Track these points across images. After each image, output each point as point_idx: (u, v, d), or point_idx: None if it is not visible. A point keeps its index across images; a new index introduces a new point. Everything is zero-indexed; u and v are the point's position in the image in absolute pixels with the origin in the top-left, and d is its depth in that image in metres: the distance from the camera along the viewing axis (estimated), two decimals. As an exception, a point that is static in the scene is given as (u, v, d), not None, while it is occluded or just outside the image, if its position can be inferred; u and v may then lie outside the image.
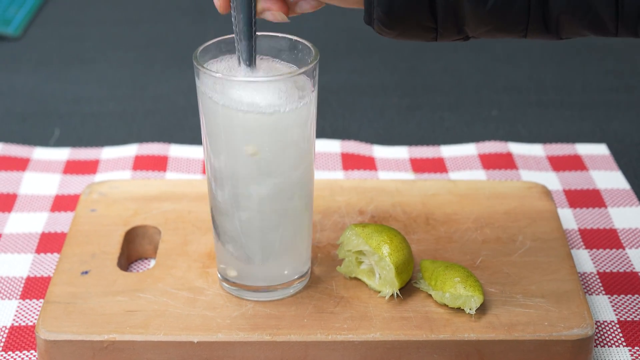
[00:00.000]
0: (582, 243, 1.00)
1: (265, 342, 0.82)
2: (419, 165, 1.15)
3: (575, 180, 1.12)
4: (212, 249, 0.91)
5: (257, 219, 0.84)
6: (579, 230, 1.02)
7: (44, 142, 1.20)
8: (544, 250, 0.92)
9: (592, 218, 1.05)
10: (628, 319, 0.90)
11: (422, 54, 1.44)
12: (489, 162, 1.14)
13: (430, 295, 0.86)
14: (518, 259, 0.91)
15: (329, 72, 1.36)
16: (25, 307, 0.92)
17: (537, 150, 1.18)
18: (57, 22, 1.54)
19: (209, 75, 0.79)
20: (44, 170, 1.13)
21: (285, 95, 0.79)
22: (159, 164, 1.14)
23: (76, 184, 1.10)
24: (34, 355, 0.86)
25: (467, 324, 0.83)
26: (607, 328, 0.89)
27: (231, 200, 0.83)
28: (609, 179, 1.12)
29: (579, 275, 0.95)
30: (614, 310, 0.91)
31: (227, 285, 0.87)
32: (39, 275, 0.96)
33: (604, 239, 1.01)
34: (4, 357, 0.86)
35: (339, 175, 1.12)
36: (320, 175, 1.12)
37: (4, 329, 0.89)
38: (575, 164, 1.15)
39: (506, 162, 1.14)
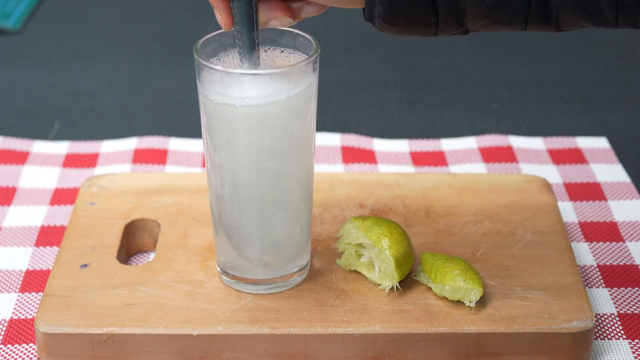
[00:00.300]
0: (582, 236, 1.00)
1: (265, 335, 0.82)
2: (419, 159, 1.15)
3: (576, 173, 1.11)
4: (212, 242, 0.91)
5: (256, 212, 0.84)
6: (579, 223, 1.02)
7: (44, 136, 1.20)
8: (544, 243, 0.92)
9: (592, 211, 1.04)
10: (628, 312, 0.90)
11: (423, 49, 1.43)
12: (489, 155, 1.14)
13: (430, 288, 0.86)
14: (518, 252, 0.91)
15: (330, 66, 1.36)
16: (25, 300, 0.91)
17: (537, 143, 1.18)
18: (56, 16, 1.54)
19: (209, 68, 0.79)
20: (44, 164, 1.13)
21: (285, 88, 0.79)
22: (159, 157, 1.14)
23: (75, 178, 1.10)
24: (33, 349, 0.86)
25: (467, 316, 0.83)
26: (607, 321, 0.89)
27: (231, 193, 0.83)
28: (609, 172, 1.11)
29: (579, 268, 0.94)
30: (614, 303, 0.91)
31: (226, 278, 0.87)
32: (38, 269, 0.96)
33: (604, 232, 1.01)
34: (4, 350, 0.86)
35: (339, 168, 1.12)
36: (320, 168, 1.12)
37: (3, 322, 0.89)
38: (576, 157, 1.15)
39: (506, 155, 1.14)
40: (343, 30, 1.49)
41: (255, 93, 0.78)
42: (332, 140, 1.17)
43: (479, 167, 1.12)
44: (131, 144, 1.16)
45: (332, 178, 1.01)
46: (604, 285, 0.93)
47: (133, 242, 0.95)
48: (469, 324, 0.82)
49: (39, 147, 1.16)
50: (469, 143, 1.17)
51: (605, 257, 0.97)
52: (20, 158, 1.13)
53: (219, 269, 0.88)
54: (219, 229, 0.86)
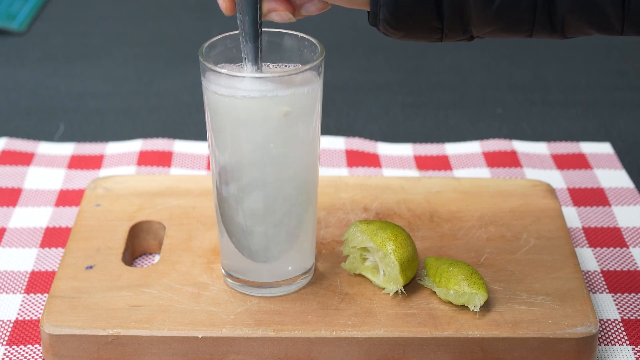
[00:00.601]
0: (586, 241, 1.00)
1: (270, 337, 0.82)
2: (423, 163, 1.15)
3: (579, 178, 1.12)
4: (217, 244, 0.92)
5: (261, 215, 0.84)
6: (583, 228, 1.03)
7: (49, 137, 1.20)
8: (548, 248, 0.92)
9: (596, 216, 1.05)
10: (632, 318, 0.90)
11: (427, 53, 1.44)
12: (493, 160, 1.14)
13: (434, 293, 0.86)
14: (522, 257, 0.91)
15: (334, 69, 1.36)
16: (30, 301, 0.92)
17: (541, 148, 1.18)
18: (61, 18, 1.54)
19: (214, 72, 0.79)
20: (49, 165, 1.13)
21: (291, 91, 0.79)
22: (164, 159, 1.14)
23: (80, 179, 1.11)
24: (39, 350, 0.86)
25: (471, 321, 0.83)
26: (611, 326, 0.89)
27: (236, 196, 0.84)
28: (613, 177, 1.12)
29: (583, 273, 0.95)
30: (618, 309, 0.91)
31: (231, 281, 0.87)
32: (43, 270, 0.96)
33: (607, 237, 1.01)
34: (9, 351, 0.86)
35: (343, 172, 1.12)
36: (324, 172, 1.12)
37: (8, 322, 0.89)
38: (580, 162, 1.15)
39: (510, 160, 1.14)
40: (347, 33, 1.49)
41: (259, 96, 0.79)
42: (336, 143, 1.18)
43: (483, 172, 1.12)
44: (136, 145, 1.16)
45: (336, 181, 1.01)
46: (607, 290, 0.94)
47: (138, 244, 0.96)
48: (473, 328, 0.82)
49: (44, 148, 1.16)
50: (473, 147, 1.17)
51: (608, 263, 0.97)
52: (25, 159, 1.14)
53: (223, 271, 0.88)
54: (224, 231, 0.86)
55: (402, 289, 0.86)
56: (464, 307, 0.85)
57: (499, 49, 1.45)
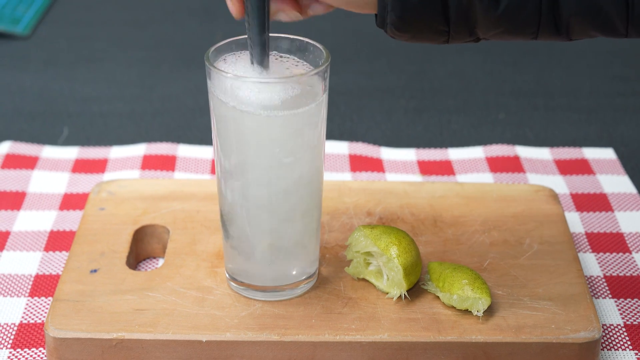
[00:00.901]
0: (588, 247, 1.01)
1: (274, 342, 0.82)
2: (426, 168, 1.15)
3: (582, 184, 1.12)
4: (221, 248, 0.92)
5: (266, 219, 0.84)
6: (586, 233, 1.03)
7: (53, 140, 1.21)
8: (551, 254, 0.92)
9: (598, 222, 1.05)
10: (634, 323, 0.90)
11: (430, 57, 1.44)
12: (496, 165, 1.15)
13: (437, 297, 0.87)
14: (525, 262, 0.91)
15: (337, 74, 1.36)
16: (34, 304, 0.92)
17: (544, 153, 1.18)
18: (65, 22, 1.54)
19: (220, 76, 0.80)
20: (53, 169, 1.13)
21: (296, 96, 0.79)
22: (168, 163, 1.14)
23: (85, 183, 1.11)
24: (43, 353, 0.87)
25: (475, 326, 0.83)
26: (614, 331, 0.89)
27: (240, 200, 0.84)
28: (616, 183, 1.12)
29: (586, 278, 0.95)
30: (621, 314, 0.91)
31: (235, 285, 0.87)
32: (47, 273, 0.96)
33: (610, 242, 1.01)
34: (13, 354, 0.86)
35: (346, 176, 1.13)
36: (328, 176, 1.12)
37: (12, 326, 0.89)
38: (582, 167, 1.15)
39: (513, 165, 1.15)
40: (350, 38, 1.50)
41: (265, 100, 0.79)
42: (340, 148, 1.18)
43: (486, 177, 1.13)
44: (140, 149, 1.17)
45: (340, 186, 1.02)
46: (610, 295, 0.94)
47: (142, 248, 0.96)
48: (477, 333, 0.83)
49: (48, 152, 1.17)
50: (476, 152, 1.18)
51: (611, 268, 0.97)
52: (29, 163, 1.14)
53: (227, 275, 0.88)
54: (228, 235, 0.87)
55: (406, 294, 0.86)
56: (467, 312, 0.85)
57: (502, 55, 1.45)
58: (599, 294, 0.94)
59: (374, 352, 0.82)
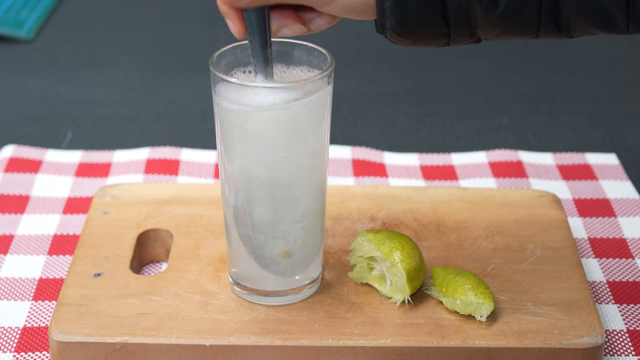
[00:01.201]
0: (591, 252, 1.01)
1: (277, 346, 0.82)
2: (429, 173, 1.15)
3: (585, 189, 1.12)
4: (224, 253, 0.92)
5: (269, 224, 0.84)
6: (589, 239, 1.03)
7: (56, 144, 1.21)
8: (554, 259, 0.92)
9: (601, 227, 1.05)
10: (637, 328, 0.90)
11: (433, 62, 1.44)
12: (499, 170, 1.15)
13: (441, 302, 0.87)
14: (529, 267, 0.91)
15: (340, 79, 1.36)
16: (38, 308, 0.92)
17: (547, 159, 1.18)
18: (69, 25, 1.55)
19: (225, 81, 0.80)
20: (57, 173, 1.13)
21: (300, 102, 0.79)
22: (171, 167, 1.14)
23: (88, 187, 1.11)
24: (47, 357, 0.87)
25: (478, 331, 0.84)
26: (617, 337, 0.89)
27: (244, 205, 0.84)
28: (619, 188, 1.12)
29: (589, 284, 0.95)
30: (624, 320, 0.91)
31: (238, 290, 0.88)
32: (51, 277, 0.96)
33: (613, 248, 1.02)
34: (17, 358, 0.86)
35: (349, 181, 1.13)
36: (331, 181, 1.12)
37: (16, 329, 0.89)
38: (585, 173, 1.15)
39: (516, 170, 1.15)
40: (353, 43, 1.50)
41: (269, 106, 0.79)
42: (343, 153, 1.18)
43: (489, 182, 1.13)
44: (143, 154, 1.17)
45: (343, 191, 1.02)
46: (613, 301, 0.94)
47: (146, 252, 0.96)
48: (480, 338, 0.83)
49: (52, 156, 1.17)
50: (479, 158, 1.18)
51: (614, 274, 0.98)
52: (33, 167, 1.14)
53: (231, 279, 0.89)
54: (232, 239, 0.87)
55: (409, 299, 0.86)
56: (470, 317, 0.85)
57: (505, 60, 1.45)
58: (601, 299, 0.94)
59: (377, 357, 0.83)
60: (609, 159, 1.18)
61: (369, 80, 1.39)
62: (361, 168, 1.15)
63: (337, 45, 1.48)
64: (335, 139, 1.22)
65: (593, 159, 1.18)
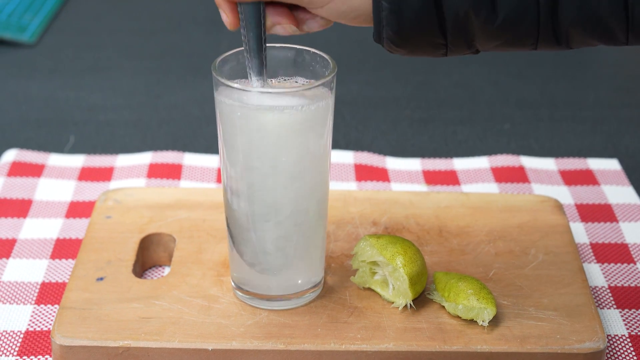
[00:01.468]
0: (593, 257, 1.01)
1: (279, 350, 0.82)
2: (431, 178, 1.15)
3: (587, 194, 1.12)
4: (227, 257, 0.92)
5: (271, 228, 0.84)
6: (591, 244, 1.03)
7: (59, 149, 1.21)
8: (556, 264, 0.92)
9: (603, 232, 1.05)
10: (639, 334, 0.90)
11: (435, 68, 1.44)
12: (501, 175, 1.15)
13: (443, 307, 0.87)
14: (530, 272, 0.91)
15: (343, 84, 1.36)
16: (41, 312, 0.92)
17: (549, 164, 1.18)
18: (72, 30, 1.55)
19: (227, 86, 0.80)
20: (59, 177, 1.14)
21: (303, 107, 0.80)
22: (174, 172, 1.15)
23: (91, 191, 1.11)
24: (49, 360, 0.87)
25: (480, 335, 0.84)
26: (618, 342, 0.90)
27: (246, 209, 0.84)
28: (621, 193, 1.12)
29: (591, 289, 0.95)
30: (625, 325, 0.91)
31: (241, 294, 0.88)
32: (54, 281, 0.96)
33: (615, 253, 1.02)
34: (20, 362, 0.87)
35: (352, 186, 1.13)
36: (333, 186, 1.12)
37: (19, 333, 0.90)
38: (587, 178, 1.15)
39: (518, 175, 1.15)
40: (355, 48, 1.50)
41: (272, 111, 0.79)
42: (345, 157, 1.18)
43: (491, 187, 1.13)
44: (146, 158, 1.17)
45: (345, 196, 1.02)
46: (615, 306, 0.94)
47: (148, 256, 0.96)
48: (482, 343, 0.83)
49: (55, 160, 1.17)
50: (481, 163, 1.18)
51: (616, 279, 0.98)
52: (36, 171, 1.14)
53: (233, 284, 0.89)
54: (234, 244, 0.87)
55: (411, 303, 0.86)
56: (472, 322, 0.85)
57: (507, 66, 1.45)
58: (603, 304, 0.94)
59: (380, 362, 0.83)
60: (611, 165, 1.18)
61: (371, 85, 1.40)
62: (363, 173, 1.15)
63: (340, 50, 1.48)
64: (337, 144, 1.22)
65: (595, 164, 1.18)
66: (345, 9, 0.77)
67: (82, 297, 0.87)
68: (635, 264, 1.00)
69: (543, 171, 1.16)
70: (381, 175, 1.15)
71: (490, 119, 1.30)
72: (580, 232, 1.05)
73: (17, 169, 1.14)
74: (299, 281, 0.87)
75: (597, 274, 0.98)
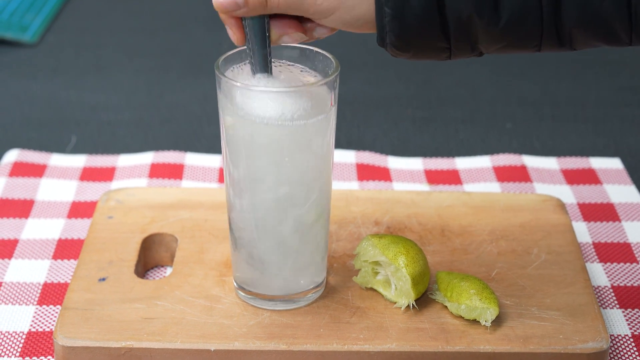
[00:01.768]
0: (596, 257, 1.01)
1: (282, 351, 0.82)
2: (433, 177, 1.15)
3: (589, 193, 1.12)
4: (229, 257, 0.92)
5: (274, 228, 0.84)
6: (593, 243, 1.03)
7: (61, 149, 1.21)
8: (559, 264, 0.92)
9: (606, 232, 1.05)
10: (642, 333, 0.91)
11: (437, 67, 1.44)
12: (504, 174, 1.15)
13: (445, 307, 0.87)
14: (533, 272, 0.91)
15: (344, 83, 1.36)
16: (43, 313, 0.92)
17: (551, 163, 1.18)
18: (73, 29, 1.55)
19: (230, 85, 0.80)
20: (61, 177, 1.14)
21: (305, 106, 0.80)
22: (175, 172, 1.15)
23: (92, 191, 1.11)
24: (51, 361, 0.87)
25: (483, 335, 0.83)
26: (621, 342, 0.89)
27: (249, 209, 0.84)
28: (623, 192, 1.12)
29: (594, 288, 0.95)
30: (628, 324, 0.91)
31: (243, 294, 0.88)
32: (56, 282, 0.96)
33: (618, 252, 1.01)
34: (22, 362, 0.87)
35: (354, 185, 1.13)
36: (335, 185, 1.12)
37: (21, 334, 0.90)
38: (589, 177, 1.15)
39: (520, 174, 1.15)
40: (357, 47, 1.50)
41: (275, 110, 0.79)
42: (347, 157, 1.18)
43: (493, 186, 1.13)
44: (148, 158, 1.17)
45: (347, 195, 1.02)
46: (617, 306, 0.94)
47: (150, 257, 0.96)
48: (485, 343, 0.83)
49: (56, 160, 1.17)
50: (483, 162, 1.18)
51: (619, 278, 0.98)
52: (37, 171, 1.14)
53: (235, 284, 0.89)
54: (236, 244, 0.87)
55: (414, 303, 0.86)
56: (475, 322, 0.85)
57: (509, 65, 1.45)
58: (606, 304, 0.94)
59: (382, 362, 0.83)
60: (613, 164, 1.18)
61: (373, 85, 1.40)
62: (365, 172, 1.15)
63: (342, 49, 1.48)
64: (339, 143, 1.22)
65: (597, 163, 1.18)
66: (349, 19, 0.77)
67: (85, 298, 0.87)
68: (638, 263, 1.00)
69: (545, 170, 1.16)
70: (383, 174, 1.15)
71: (492, 118, 1.30)
72: (583, 231, 1.05)
73: (19, 169, 1.14)
74: (302, 281, 0.87)
75: (599, 274, 0.98)
